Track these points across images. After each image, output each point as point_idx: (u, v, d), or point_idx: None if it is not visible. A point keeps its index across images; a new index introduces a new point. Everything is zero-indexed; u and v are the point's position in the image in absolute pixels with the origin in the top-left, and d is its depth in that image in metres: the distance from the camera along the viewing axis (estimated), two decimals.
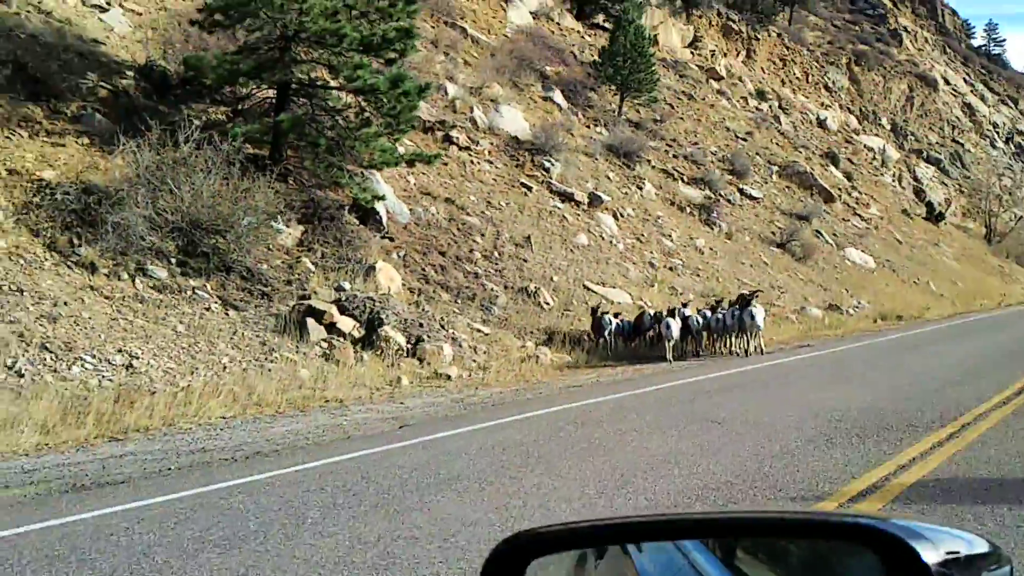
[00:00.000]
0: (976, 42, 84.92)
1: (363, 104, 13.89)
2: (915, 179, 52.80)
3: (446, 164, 19.01)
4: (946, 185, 56.43)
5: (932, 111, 62.32)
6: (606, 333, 14.38)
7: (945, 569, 1.08)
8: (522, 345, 13.35)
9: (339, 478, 5.83)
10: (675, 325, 14.37)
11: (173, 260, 11.46)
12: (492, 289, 15.12)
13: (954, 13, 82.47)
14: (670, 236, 21.87)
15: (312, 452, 6.95)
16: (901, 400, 8.75)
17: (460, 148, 19.76)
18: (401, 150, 15.36)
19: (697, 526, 1.41)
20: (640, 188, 23.90)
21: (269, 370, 10.33)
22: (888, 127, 57.62)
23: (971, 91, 68.80)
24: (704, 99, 35.67)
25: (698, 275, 20.50)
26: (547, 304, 15.60)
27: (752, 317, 14.40)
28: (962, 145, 62.53)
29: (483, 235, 16.85)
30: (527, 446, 6.87)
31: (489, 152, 20.41)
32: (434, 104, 20.49)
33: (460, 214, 17.07)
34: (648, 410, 8.72)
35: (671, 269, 20.10)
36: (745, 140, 33.33)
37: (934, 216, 43.61)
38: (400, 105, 13.35)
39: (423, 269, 14.65)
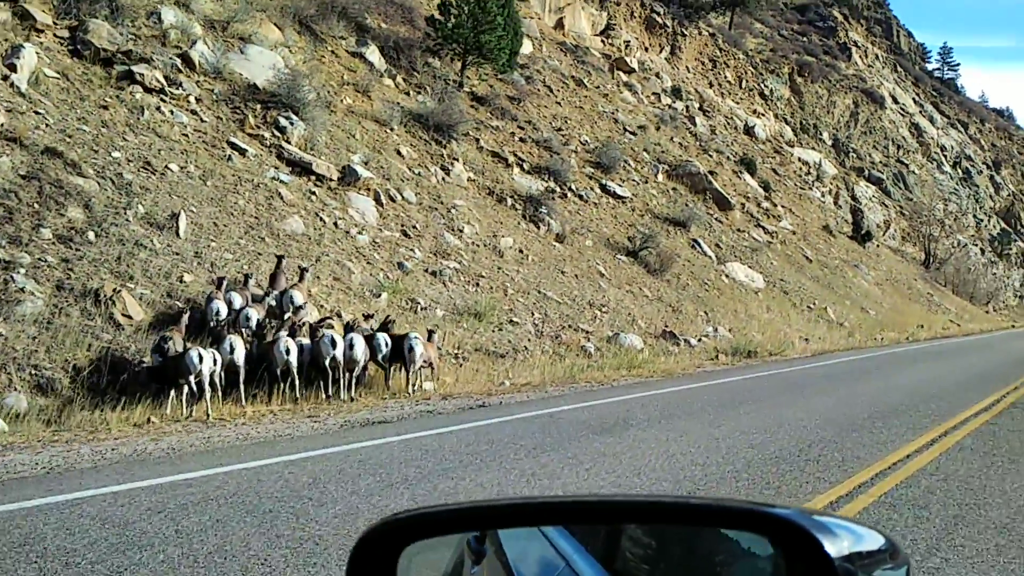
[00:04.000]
0: (930, 67, 79.44)
1: None
2: (853, 197, 46.98)
3: (106, 107, 12.64)
4: (886, 206, 50.70)
5: (877, 129, 56.60)
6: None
7: (847, 563, 0.99)
8: None
9: None
10: (294, 348, 8.52)
11: None
12: (24, 290, 8.73)
13: (910, 35, 76.92)
14: (460, 231, 15.54)
15: None
16: None
17: (147, 90, 13.37)
18: None
19: (589, 509, 1.27)
20: (447, 170, 17.57)
21: None
22: (829, 142, 51.82)
23: (920, 112, 62.99)
24: (598, 88, 29.48)
25: (477, 284, 14.15)
26: (128, 318, 9.22)
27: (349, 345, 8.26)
28: (907, 166, 56.84)
29: (89, 207, 10.43)
30: None
31: (197, 99, 14.01)
32: (133, 31, 14.14)
33: (63, 174, 10.62)
34: None
35: (434, 274, 13.73)
36: (635, 135, 27.14)
37: (861, 235, 37.64)
38: None
39: None
